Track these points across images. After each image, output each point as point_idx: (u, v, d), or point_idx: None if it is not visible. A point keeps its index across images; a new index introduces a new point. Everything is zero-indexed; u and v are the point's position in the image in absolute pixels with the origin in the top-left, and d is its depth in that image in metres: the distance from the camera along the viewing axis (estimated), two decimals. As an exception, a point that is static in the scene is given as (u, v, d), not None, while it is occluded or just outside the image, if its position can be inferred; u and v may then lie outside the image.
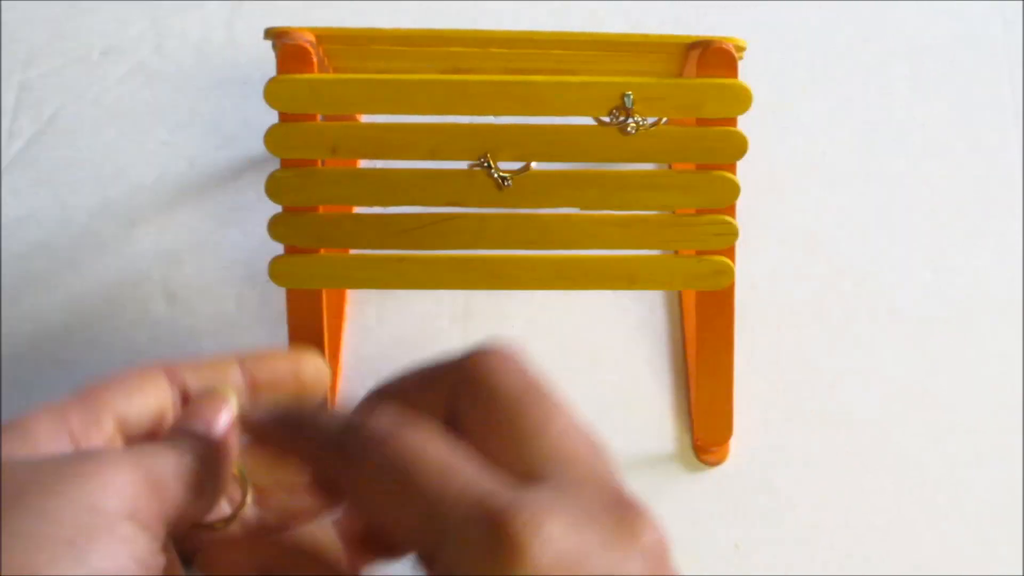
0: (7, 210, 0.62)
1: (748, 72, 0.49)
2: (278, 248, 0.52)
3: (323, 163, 0.51)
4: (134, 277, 0.60)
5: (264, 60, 0.50)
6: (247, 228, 0.61)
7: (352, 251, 0.53)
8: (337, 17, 0.64)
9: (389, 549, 0.38)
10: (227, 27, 0.65)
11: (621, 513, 0.34)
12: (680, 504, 0.56)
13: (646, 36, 0.50)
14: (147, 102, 0.65)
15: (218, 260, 0.60)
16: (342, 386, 0.58)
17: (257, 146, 0.50)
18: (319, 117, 0.50)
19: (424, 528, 0.33)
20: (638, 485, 0.57)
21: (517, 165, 0.49)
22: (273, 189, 0.50)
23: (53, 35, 0.66)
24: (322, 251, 0.52)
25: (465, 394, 0.36)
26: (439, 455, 0.34)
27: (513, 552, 0.31)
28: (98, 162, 0.63)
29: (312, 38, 0.49)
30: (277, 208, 0.51)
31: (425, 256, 0.51)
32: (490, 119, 0.49)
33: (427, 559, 0.33)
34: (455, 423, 0.36)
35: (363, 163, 0.58)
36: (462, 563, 0.32)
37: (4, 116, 0.64)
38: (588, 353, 0.59)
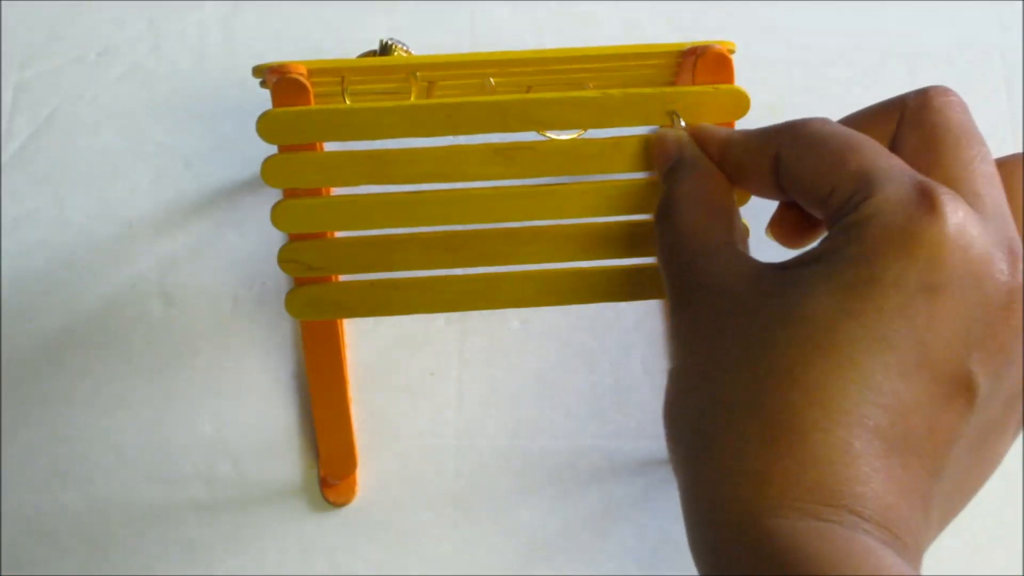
0: (4, 210, 0.62)
1: (744, 75, 0.49)
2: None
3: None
4: (131, 278, 0.61)
5: (262, 61, 0.50)
6: (244, 230, 0.61)
7: (362, 275, 0.52)
8: (334, 17, 0.64)
9: (801, 229, 0.45)
10: (225, 28, 0.65)
11: (1015, 252, 0.39)
12: (677, 506, 0.56)
13: (638, 47, 0.50)
14: (144, 103, 0.65)
15: (215, 262, 0.60)
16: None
17: (254, 148, 0.50)
18: (324, 146, 0.49)
19: (854, 185, 0.39)
20: (635, 487, 0.57)
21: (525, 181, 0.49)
22: (280, 219, 0.50)
23: (50, 35, 0.66)
24: (334, 279, 0.52)
25: (910, 121, 0.42)
26: (877, 145, 0.41)
27: (932, 208, 0.38)
28: (95, 163, 0.63)
29: (304, 71, 0.49)
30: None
31: (439, 277, 0.50)
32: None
33: (840, 212, 0.40)
34: (894, 147, 0.42)
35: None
36: (883, 211, 0.38)
37: (1, 116, 0.64)
38: (583, 354, 0.59)
